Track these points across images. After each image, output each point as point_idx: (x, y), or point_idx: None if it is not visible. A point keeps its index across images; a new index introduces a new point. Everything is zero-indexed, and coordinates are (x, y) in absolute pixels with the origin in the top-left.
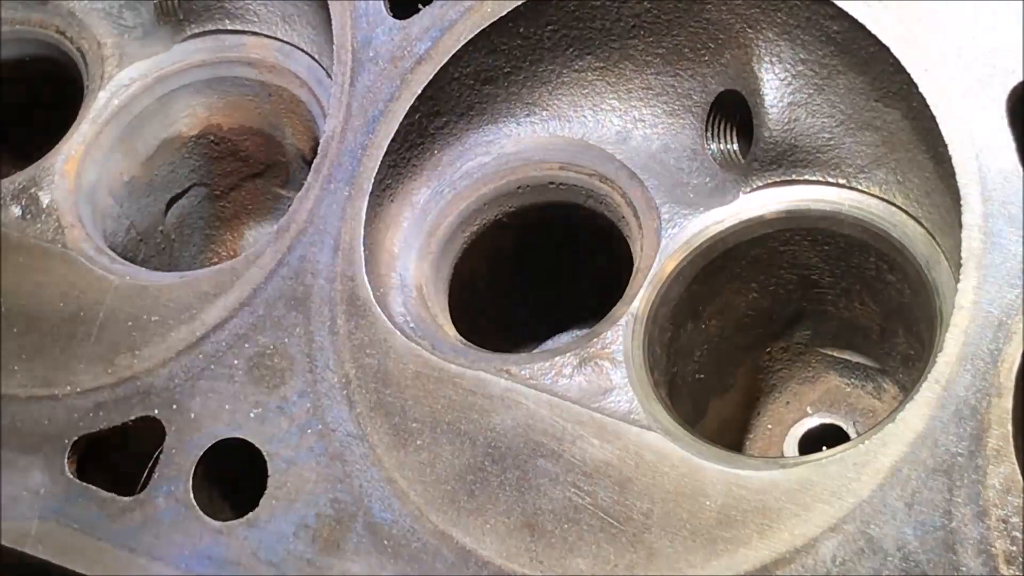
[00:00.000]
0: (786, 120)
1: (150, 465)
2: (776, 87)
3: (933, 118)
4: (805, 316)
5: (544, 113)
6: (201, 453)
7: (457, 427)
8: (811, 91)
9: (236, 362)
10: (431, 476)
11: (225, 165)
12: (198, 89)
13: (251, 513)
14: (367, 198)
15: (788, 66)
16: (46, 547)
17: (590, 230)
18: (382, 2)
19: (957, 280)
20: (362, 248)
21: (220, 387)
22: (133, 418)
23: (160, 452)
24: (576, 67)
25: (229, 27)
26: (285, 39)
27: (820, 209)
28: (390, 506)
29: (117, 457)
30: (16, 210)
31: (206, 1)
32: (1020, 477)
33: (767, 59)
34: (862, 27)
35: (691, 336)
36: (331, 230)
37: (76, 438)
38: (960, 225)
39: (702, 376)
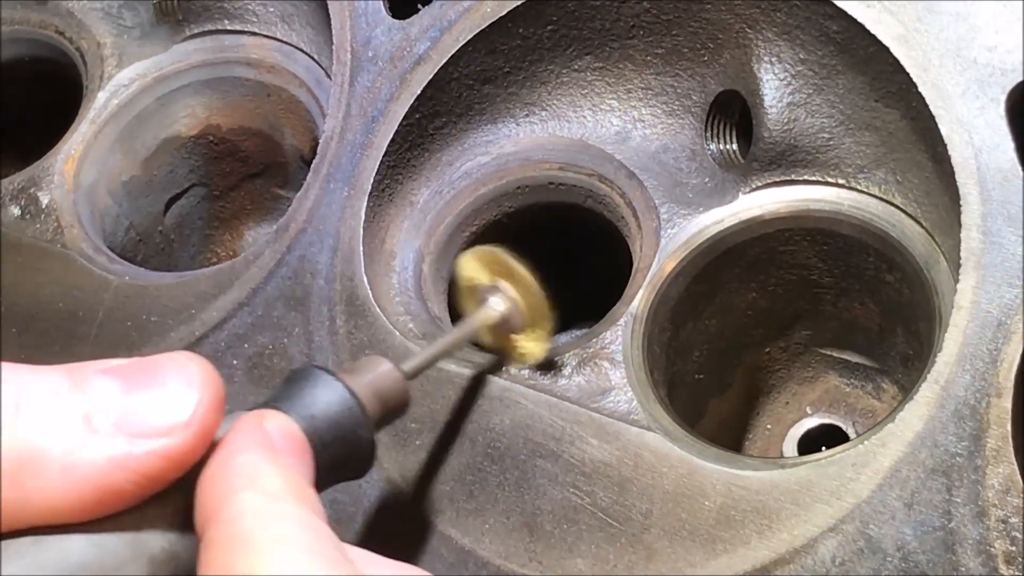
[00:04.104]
0: (785, 120)
1: None
2: (775, 87)
3: (932, 118)
4: (804, 316)
5: (543, 113)
6: None
7: (457, 427)
8: (811, 91)
9: (235, 362)
10: (430, 477)
11: (224, 165)
12: (197, 89)
13: None
14: (366, 198)
15: (788, 66)
16: None
17: (590, 230)
18: (381, 2)
19: (956, 280)
20: (361, 248)
21: None
22: None
23: None
24: (575, 67)
25: (228, 27)
26: (284, 39)
27: (820, 209)
28: (389, 507)
29: None
30: (15, 210)
31: (205, 1)
32: (1019, 477)
33: (767, 59)
34: (862, 27)
35: (690, 336)
36: (330, 230)
37: None
38: (959, 225)
39: (701, 376)
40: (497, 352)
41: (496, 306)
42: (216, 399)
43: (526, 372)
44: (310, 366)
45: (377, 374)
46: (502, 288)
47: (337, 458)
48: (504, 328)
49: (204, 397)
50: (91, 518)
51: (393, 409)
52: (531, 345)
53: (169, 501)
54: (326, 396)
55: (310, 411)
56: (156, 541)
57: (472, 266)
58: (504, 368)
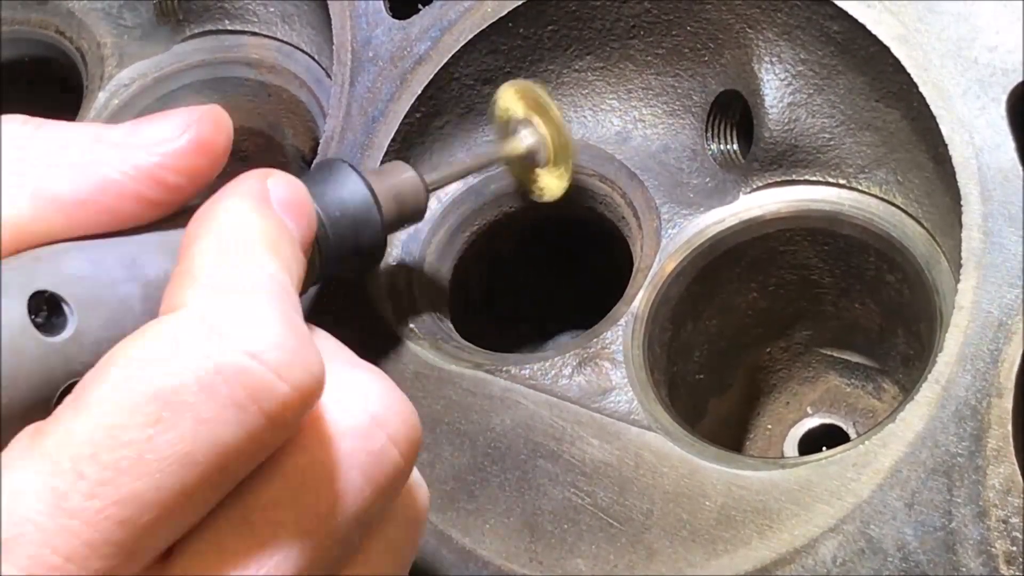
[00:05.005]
0: (786, 120)
1: None
2: (776, 87)
3: (933, 118)
4: (805, 316)
5: None
6: None
7: (457, 427)
8: (811, 91)
9: None
10: (431, 477)
11: (225, 166)
12: (198, 89)
13: None
14: None
15: (788, 66)
16: None
17: (590, 230)
18: (382, 2)
19: (957, 280)
20: None
21: None
22: None
23: None
24: (576, 67)
25: (229, 27)
26: (285, 39)
27: (820, 209)
28: None
29: None
30: None
31: (206, 1)
32: (1020, 478)
33: (767, 59)
34: (862, 27)
35: (691, 336)
36: None
37: None
38: (960, 225)
39: (702, 376)
40: (519, 183)
41: (524, 139)
42: (219, 118)
43: (527, 372)
44: (336, 159)
45: (400, 178)
46: (534, 123)
47: (345, 247)
48: (529, 161)
49: (205, 113)
50: (89, 232)
51: (409, 214)
52: (551, 181)
53: (166, 230)
54: (346, 185)
55: (325, 192)
56: (152, 267)
57: (509, 97)
58: (503, 370)
